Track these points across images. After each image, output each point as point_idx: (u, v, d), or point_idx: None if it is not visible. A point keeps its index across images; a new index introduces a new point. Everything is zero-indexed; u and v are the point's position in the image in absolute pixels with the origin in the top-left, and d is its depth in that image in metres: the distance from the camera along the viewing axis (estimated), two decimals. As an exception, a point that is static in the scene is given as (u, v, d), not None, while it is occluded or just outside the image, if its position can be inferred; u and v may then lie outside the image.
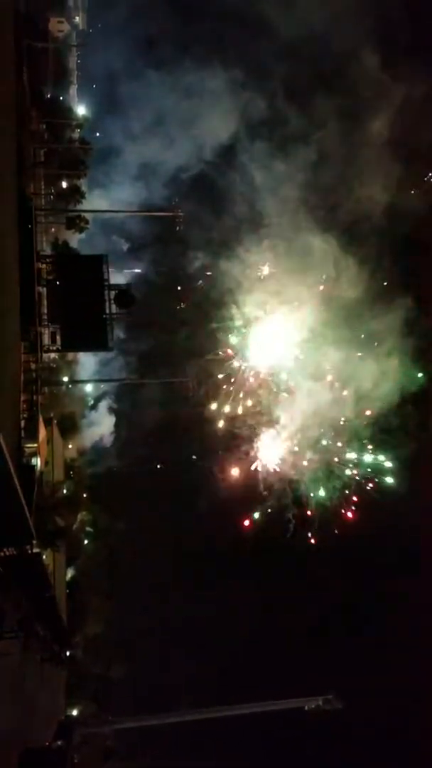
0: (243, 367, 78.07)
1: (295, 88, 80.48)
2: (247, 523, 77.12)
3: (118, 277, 75.28)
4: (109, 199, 78.77)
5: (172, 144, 79.47)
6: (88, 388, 79.82)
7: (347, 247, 75.03)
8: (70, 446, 71.86)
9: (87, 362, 76.64)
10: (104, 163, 78.91)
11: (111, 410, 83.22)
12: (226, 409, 77.80)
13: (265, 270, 77.72)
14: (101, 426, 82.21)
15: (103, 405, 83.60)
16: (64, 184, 69.61)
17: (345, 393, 74.94)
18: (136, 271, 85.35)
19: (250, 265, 77.44)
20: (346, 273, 73.99)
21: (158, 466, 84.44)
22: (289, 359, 77.62)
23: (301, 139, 78.28)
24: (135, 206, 79.21)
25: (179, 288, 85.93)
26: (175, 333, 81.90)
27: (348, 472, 77.07)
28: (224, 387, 78.07)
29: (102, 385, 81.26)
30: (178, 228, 72.36)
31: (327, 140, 77.29)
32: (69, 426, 69.34)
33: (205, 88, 76.61)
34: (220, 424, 78.09)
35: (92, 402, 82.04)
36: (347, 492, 76.22)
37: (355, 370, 74.72)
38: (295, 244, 75.85)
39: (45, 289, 55.57)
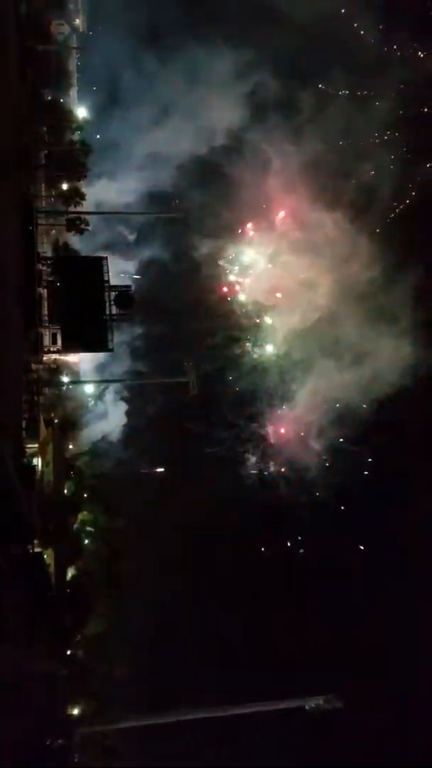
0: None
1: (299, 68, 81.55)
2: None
3: (125, 265, 76.18)
4: (112, 188, 79.33)
5: (172, 135, 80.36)
6: (89, 388, 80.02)
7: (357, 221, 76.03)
8: (71, 446, 72.08)
9: (89, 358, 76.69)
10: (107, 154, 79.61)
11: (119, 398, 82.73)
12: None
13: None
14: (102, 426, 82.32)
15: (103, 405, 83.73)
16: (65, 186, 69.88)
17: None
18: (145, 254, 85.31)
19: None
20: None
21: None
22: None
23: (308, 119, 79.26)
24: (138, 194, 79.85)
25: (186, 275, 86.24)
26: (181, 321, 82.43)
27: None
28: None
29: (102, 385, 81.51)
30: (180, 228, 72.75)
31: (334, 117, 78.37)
32: (70, 426, 69.55)
33: (206, 79, 77.74)
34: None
35: (93, 401, 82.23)
36: None
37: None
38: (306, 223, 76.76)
39: (46, 290, 55.90)
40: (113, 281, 57.92)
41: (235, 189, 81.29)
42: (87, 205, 70.69)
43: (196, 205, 79.43)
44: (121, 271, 77.65)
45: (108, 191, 79.37)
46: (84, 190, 70.26)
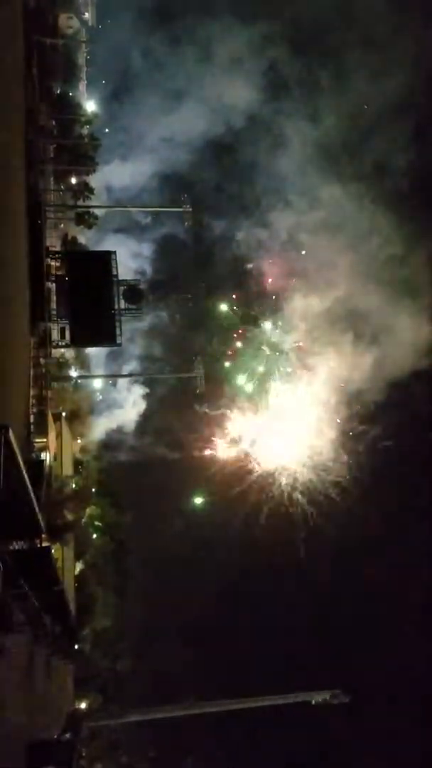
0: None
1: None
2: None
3: (139, 248, 76.08)
4: (125, 171, 79.49)
5: (183, 118, 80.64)
6: (98, 382, 79.82)
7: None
8: (78, 441, 72.13)
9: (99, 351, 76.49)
10: (118, 137, 79.78)
11: (134, 382, 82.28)
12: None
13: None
14: (117, 414, 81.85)
15: (117, 392, 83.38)
16: (74, 180, 69.78)
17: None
18: (158, 235, 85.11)
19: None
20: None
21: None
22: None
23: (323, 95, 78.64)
24: (151, 177, 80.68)
25: (200, 255, 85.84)
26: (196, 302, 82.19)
27: None
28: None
29: (110, 381, 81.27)
30: (186, 224, 72.31)
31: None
32: (78, 420, 69.55)
33: (216, 61, 77.64)
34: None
35: (101, 396, 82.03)
36: None
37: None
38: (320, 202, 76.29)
39: (54, 284, 55.86)
40: (128, 264, 58.07)
41: (248, 168, 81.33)
42: (98, 189, 70.80)
43: (210, 187, 79.45)
44: (135, 254, 77.84)
45: (121, 174, 79.46)
46: (94, 177, 70.27)
